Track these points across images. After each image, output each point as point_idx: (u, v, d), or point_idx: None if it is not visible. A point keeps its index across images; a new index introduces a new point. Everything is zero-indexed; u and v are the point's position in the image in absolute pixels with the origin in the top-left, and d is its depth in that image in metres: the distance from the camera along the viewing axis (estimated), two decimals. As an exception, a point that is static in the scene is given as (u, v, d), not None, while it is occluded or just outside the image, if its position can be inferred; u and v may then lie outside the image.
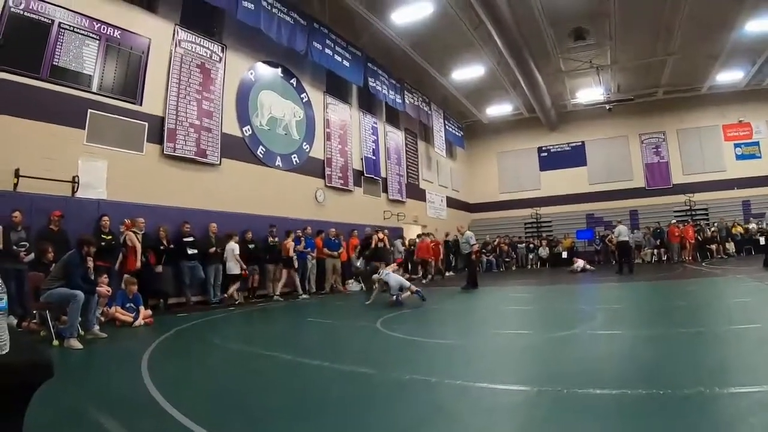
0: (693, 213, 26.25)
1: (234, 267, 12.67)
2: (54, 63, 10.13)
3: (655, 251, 23.72)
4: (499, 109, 28.87)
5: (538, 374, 4.78)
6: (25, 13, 9.68)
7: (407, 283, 11.37)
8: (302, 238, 14.52)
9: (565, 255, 25.26)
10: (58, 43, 10.19)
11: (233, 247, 12.66)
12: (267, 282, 13.91)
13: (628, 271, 17.35)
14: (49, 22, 10.06)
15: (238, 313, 11.06)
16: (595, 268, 20.91)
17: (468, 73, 22.72)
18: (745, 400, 3.44)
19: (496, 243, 26.92)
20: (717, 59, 21.95)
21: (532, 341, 6.61)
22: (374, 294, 11.82)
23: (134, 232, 10.43)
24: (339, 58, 16.96)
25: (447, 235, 23.22)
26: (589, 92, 25.33)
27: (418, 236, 20.43)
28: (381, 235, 16.56)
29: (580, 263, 20.73)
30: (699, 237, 23.10)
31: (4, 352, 1.62)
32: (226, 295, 12.68)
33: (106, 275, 8.86)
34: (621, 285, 13.99)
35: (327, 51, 16.32)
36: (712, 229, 23.76)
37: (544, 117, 28.22)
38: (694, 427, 3.03)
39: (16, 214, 8.73)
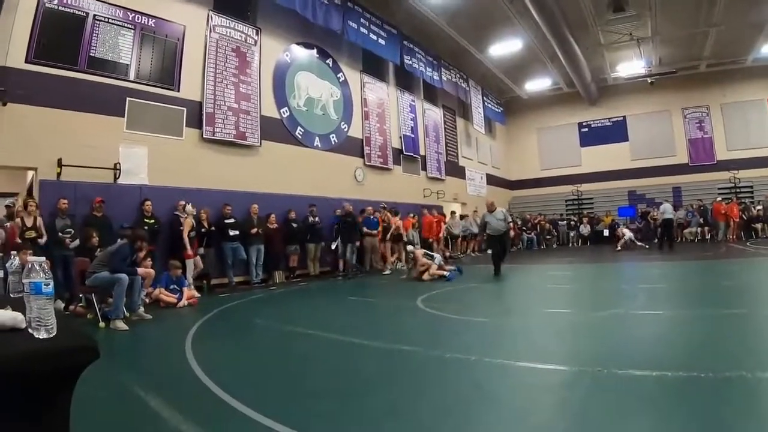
0: (737, 190, 25.12)
1: None
2: (91, 54, 10.34)
3: (699, 230, 22.89)
4: (538, 84, 28.32)
5: (578, 354, 4.74)
6: (60, 8, 9.89)
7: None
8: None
9: (606, 233, 24.83)
10: (94, 34, 10.39)
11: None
12: (308, 261, 14.07)
13: (668, 248, 17.60)
14: (84, 15, 10.25)
15: (280, 292, 11.21)
16: (643, 244, 20.59)
17: (505, 47, 22.27)
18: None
19: (537, 221, 26.53)
20: (762, 30, 20.92)
21: (572, 320, 6.55)
22: (409, 272, 12.42)
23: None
24: (374, 37, 16.88)
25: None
26: (630, 65, 24.46)
27: (423, 211, 18.80)
28: (396, 221, 16.07)
29: (627, 234, 20.55)
30: (744, 216, 22.26)
31: (51, 335, 1.68)
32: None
33: (149, 258, 9.06)
34: (664, 264, 13.70)
35: (362, 30, 16.25)
36: (758, 207, 22.70)
37: (584, 91, 27.54)
38: (735, 411, 2.96)
39: (64, 201, 9.07)
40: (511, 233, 12.82)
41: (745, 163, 25.33)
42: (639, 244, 20.44)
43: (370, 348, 5.31)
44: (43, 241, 8.46)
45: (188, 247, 10.46)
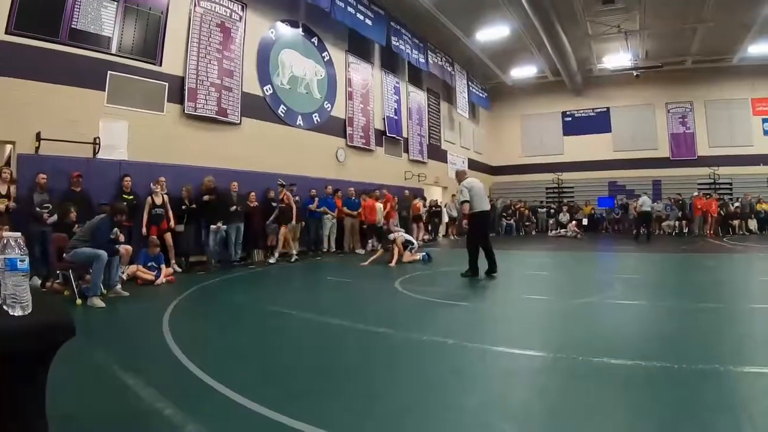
0: (717, 187, 25.65)
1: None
2: (72, 26, 10.12)
3: (676, 223, 23.14)
4: (524, 72, 28.17)
5: (555, 341, 4.84)
6: (41, -22, 9.66)
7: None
8: (315, 198, 14.66)
9: (585, 222, 25.16)
10: (76, 5, 10.16)
11: (380, 206, 15.61)
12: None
13: (646, 239, 18.43)
14: (66, -15, 10.05)
15: (259, 271, 11.20)
16: (581, 237, 22.14)
17: (492, 33, 22.11)
18: (761, 381, 3.45)
19: (517, 207, 26.75)
20: (750, 29, 21.02)
21: (549, 307, 6.66)
22: (374, 257, 12.29)
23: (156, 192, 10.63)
24: (361, 17, 16.71)
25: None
26: (616, 57, 24.46)
27: (362, 195, 16.19)
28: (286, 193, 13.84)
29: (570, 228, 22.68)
30: (722, 212, 22.61)
31: (27, 313, 1.65)
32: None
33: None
34: (641, 255, 13.90)
35: (349, 9, 16.05)
36: (736, 204, 23.30)
37: (570, 81, 27.62)
38: (706, 403, 3.04)
39: (43, 176, 8.87)
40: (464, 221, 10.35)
41: (725, 160, 25.82)
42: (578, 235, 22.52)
43: (347, 329, 5.38)
44: (12, 206, 8.36)
45: (143, 225, 10.26)
